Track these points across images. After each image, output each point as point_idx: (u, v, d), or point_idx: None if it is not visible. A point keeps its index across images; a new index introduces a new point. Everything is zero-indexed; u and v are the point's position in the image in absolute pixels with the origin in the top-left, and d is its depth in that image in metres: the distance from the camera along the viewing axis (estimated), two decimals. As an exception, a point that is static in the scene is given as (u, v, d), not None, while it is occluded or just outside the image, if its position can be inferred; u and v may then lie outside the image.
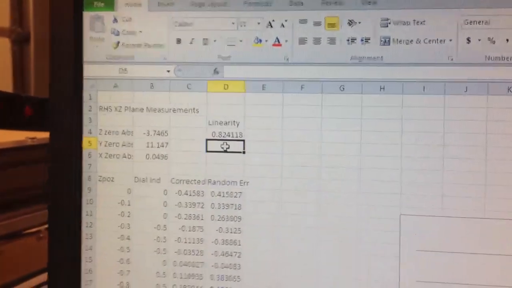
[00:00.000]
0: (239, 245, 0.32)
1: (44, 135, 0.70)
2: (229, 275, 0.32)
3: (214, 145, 0.32)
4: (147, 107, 0.33)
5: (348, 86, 0.31)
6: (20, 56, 1.29)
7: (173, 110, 0.33)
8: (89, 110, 0.34)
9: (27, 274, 0.62)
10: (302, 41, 0.32)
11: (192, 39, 0.33)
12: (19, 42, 1.29)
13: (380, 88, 0.31)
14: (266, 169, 0.32)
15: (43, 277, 0.65)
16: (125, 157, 0.33)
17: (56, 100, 0.33)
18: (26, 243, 0.66)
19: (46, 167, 0.33)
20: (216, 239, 0.33)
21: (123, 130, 0.33)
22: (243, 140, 0.32)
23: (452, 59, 0.30)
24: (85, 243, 0.34)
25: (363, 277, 0.31)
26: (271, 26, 0.32)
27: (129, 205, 0.33)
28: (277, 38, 0.32)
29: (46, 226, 0.67)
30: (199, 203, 0.33)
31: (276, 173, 0.32)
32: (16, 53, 1.28)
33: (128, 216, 0.33)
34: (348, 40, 0.31)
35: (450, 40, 0.30)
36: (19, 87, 1.28)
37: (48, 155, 0.33)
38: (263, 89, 0.32)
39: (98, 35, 0.33)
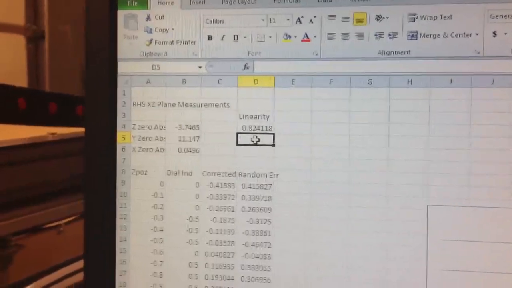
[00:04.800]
0: (269, 235, 0.33)
1: (65, 130, 0.71)
2: (259, 265, 0.33)
3: (244, 139, 0.33)
4: (179, 102, 0.34)
5: (376, 80, 0.32)
6: (35, 53, 1.30)
7: (204, 105, 0.33)
8: (123, 106, 0.34)
9: (47, 268, 0.63)
10: (331, 36, 0.32)
11: (223, 35, 0.33)
12: (34, 40, 1.29)
13: (408, 82, 0.31)
14: (296, 162, 0.32)
15: (64, 271, 0.66)
16: (158, 151, 0.34)
17: (91, 96, 0.34)
18: (47, 237, 0.67)
19: (82, 161, 0.34)
20: (246, 230, 0.33)
21: (156, 125, 0.34)
22: (273, 134, 0.33)
23: (478, 53, 0.31)
24: (119, 235, 0.34)
25: (392, 267, 0.32)
26: (300, 22, 0.32)
27: (162, 197, 0.34)
28: (306, 33, 0.32)
29: (66, 220, 0.68)
30: (230, 195, 0.33)
31: (305, 165, 0.32)
32: (31, 50, 1.29)
33: (161, 208, 0.34)
34: (376, 35, 0.32)
35: (477, 34, 0.31)
36: (33, 84, 1.29)
37: (83, 149, 0.34)
38: (292, 84, 0.32)
39: (131, 32, 0.34)
